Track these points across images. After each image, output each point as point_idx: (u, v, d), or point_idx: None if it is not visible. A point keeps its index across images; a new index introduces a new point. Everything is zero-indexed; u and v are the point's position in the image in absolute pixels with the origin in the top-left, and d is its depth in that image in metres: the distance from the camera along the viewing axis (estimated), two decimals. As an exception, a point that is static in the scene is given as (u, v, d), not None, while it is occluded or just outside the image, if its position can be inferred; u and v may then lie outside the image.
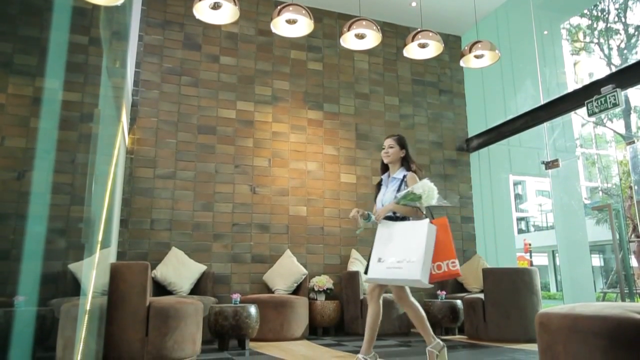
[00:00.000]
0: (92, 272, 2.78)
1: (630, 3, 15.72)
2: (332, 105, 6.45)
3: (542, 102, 6.22)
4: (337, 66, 6.61)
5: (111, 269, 3.31)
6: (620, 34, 16.03)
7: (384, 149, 3.34)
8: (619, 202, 13.82)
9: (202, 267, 5.24)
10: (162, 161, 5.52)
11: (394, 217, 3.16)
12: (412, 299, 3.17)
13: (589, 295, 7.53)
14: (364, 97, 6.65)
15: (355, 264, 5.80)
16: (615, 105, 4.92)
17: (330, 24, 6.65)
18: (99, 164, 3.35)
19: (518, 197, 25.63)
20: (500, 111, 7.27)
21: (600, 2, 15.49)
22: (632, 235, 9.48)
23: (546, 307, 2.60)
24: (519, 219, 25.13)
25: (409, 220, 3.11)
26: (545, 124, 6.57)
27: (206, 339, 4.22)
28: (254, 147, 5.96)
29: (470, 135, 7.09)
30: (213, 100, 5.90)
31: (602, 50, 16.58)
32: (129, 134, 5.38)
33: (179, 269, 5.08)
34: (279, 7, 4.17)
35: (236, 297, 4.51)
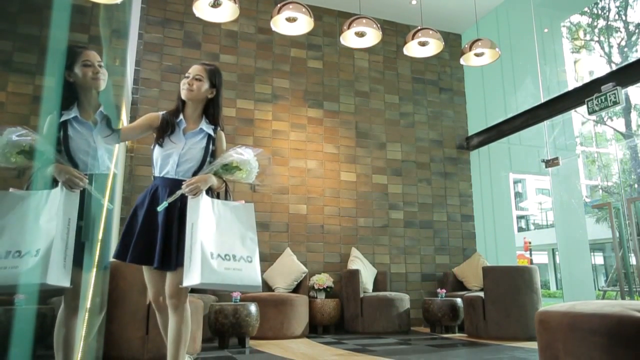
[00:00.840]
0: (92, 271, 2.78)
1: (630, 1, 15.70)
2: (332, 104, 6.45)
3: (543, 100, 6.21)
4: (337, 64, 6.60)
5: (111, 267, 3.31)
6: (621, 32, 16.01)
7: (187, 77, 2.38)
8: (619, 200, 13.83)
9: (202, 266, 5.23)
10: (162, 159, 5.51)
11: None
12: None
13: (589, 294, 7.53)
14: (364, 95, 6.65)
15: (356, 262, 5.80)
16: (615, 103, 4.92)
17: (330, 22, 6.64)
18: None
19: (518, 195, 25.62)
20: (501, 109, 7.26)
21: (601, 0, 15.48)
22: None
23: (546, 305, 2.60)
24: (519, 217, 25.13)
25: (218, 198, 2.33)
26: (545, 122, 6.56)
27: (206, 337, 4.22)
28: (254, 145, 5.94)
29: (470, 133, 7.08)
30: (213, 99, 5.89)
31: (602, 48, 16.56)
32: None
33: (179, 267, 5.08)
34: (279, 5, 4.16)
35: (236, 295, 4.51)
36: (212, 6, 3.98)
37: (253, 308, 4.32)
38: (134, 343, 3.25)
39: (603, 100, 5.02)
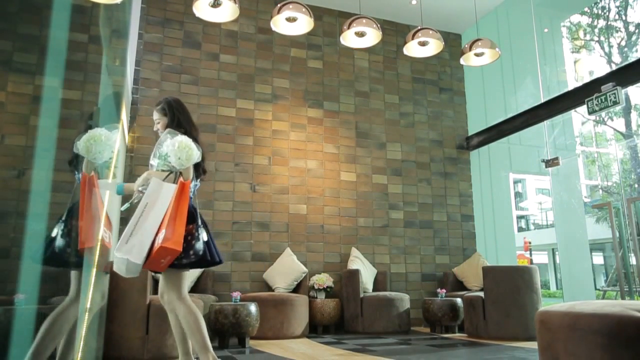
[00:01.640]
0: (93, 270, 2.78)
1: (630, 1, 15.70)
2: (332, 104, 6.45)
3: (543, 100, 6.21)
4: (337, 64, 6.60)
5: (111, 267, 3.31)
6: (621, 32, 16.00)
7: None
8: (619, 200, 13.82)
9: (202, 266, 5.23)
10: (162, 159, 5.51)
11: None
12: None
13: (589, 293, 7.53)
14: (364, 95, 6.64)
15: (356, 262, 5.80)
16: (615, 103, 4.92)
17: (330, 22, 6.64)
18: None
19: (518, 195, 25.61)
20: (501, 109, 7.26)
21: (601, 0, 15.47)
22: None
23: (546, 305, 2.60)
24: (519, 217, 25.13)
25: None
26: (545, 122, 6.56)
27: (206, 337, 4.22)
28: (254, 146, 5.95)
29: (470, 133, 7.08)
30: (213, 99, 5.90)
31: (602, 48, 16.55)
32: (128, 132, 5.38)
33: (179, 267, 5.08)
34: (279, 5, 4.16)
35: (236, 295, 4.52)
36: (212, 6, 3.98)
37: (253, 308, 4.32)
38: (134, 343, 3.25)
39: (603, 100, 5.02)
